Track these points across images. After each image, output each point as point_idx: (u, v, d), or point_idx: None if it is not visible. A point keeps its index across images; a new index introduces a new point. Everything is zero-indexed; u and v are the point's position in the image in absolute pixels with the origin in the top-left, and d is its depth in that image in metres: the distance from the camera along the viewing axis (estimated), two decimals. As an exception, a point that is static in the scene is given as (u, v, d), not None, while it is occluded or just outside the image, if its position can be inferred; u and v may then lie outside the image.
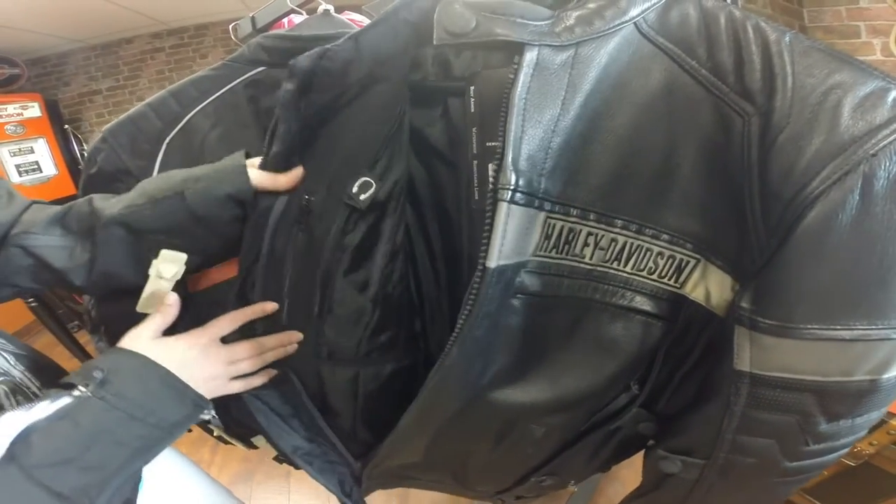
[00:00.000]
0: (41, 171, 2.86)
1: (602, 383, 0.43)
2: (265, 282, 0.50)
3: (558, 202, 0.37)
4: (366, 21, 0.74)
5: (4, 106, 2.75)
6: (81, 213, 0.50)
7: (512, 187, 0.34)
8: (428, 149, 0.53)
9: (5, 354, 0.49)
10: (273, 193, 0.47)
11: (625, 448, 0.52)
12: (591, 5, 0.35)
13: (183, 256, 0.48)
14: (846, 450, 0.38)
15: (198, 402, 0.47)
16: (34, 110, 2.86)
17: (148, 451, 0.43)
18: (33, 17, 2.56)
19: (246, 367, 0.51)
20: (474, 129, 0.46)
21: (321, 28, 0.65)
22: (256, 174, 0.47)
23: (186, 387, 0.46)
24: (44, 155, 2.88)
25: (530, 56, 0.34)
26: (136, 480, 0.48)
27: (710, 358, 0.41)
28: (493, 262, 0.35)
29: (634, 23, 0.35)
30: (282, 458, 0.72)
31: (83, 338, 1.81)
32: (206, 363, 0.49)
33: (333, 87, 0.44)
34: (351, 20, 0.73)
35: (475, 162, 0.47)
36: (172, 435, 0.45)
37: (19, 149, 2.79)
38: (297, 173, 0.47)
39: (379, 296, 0.52)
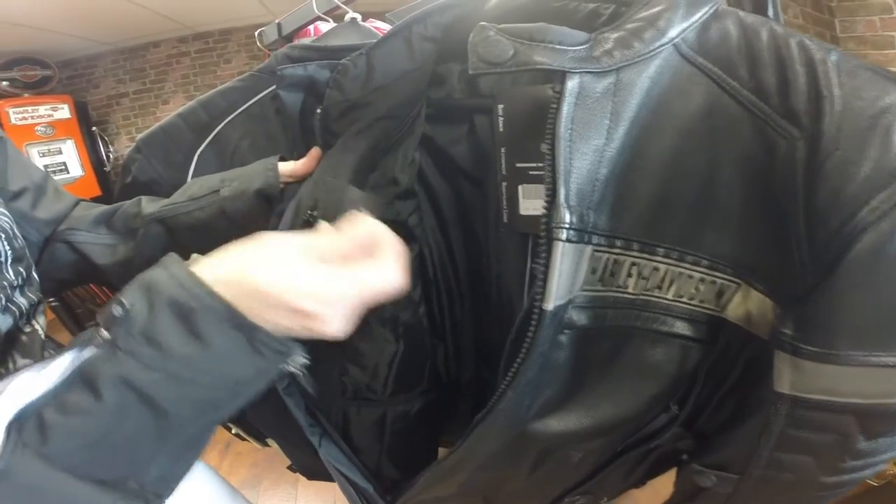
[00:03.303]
0: (68, 172, 2.94)
1: (642, 407, 0.43)
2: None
3: (604, 234, 0.36)
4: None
5: (36, 107, 2.84)
6: (128, 213, 0.52)
7: (567, 226, 0.33)
8: (453, 168, 0.52)
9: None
10: (298, 183, 0.48)
11: (661, 464, 0.51)
12: (629, 26, 0.34)
13: None
14: (885, 464, 0.37)
15: (276, 347, 0.30)
16: (64, 112, 2.95)
17: (204, 415, 0.30)
18: (65, 20, 2.64)
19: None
20: (503, 150, 0.45)
21: (348, 38, 0.65)
22: (282, 165, 0.49)
23: (254, 326, 0.29)
24: (71, 156, 2.97)
25: (572, 84, 0.33)
26: (203, 442, 0.33)
27: (749, 377, 0.40)
28: (550, 305, 0.34)
29: (674, 44, 0.34)
30: (295, 467, 0.72)
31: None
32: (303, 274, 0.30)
33: (345, 101, 0.44)
34: (376, 28, 0.73)
35: (504, 184, 0.46)
36: (240, 395, 0.31)
37: (48, 149, 2.88)
38: (315, 153, 0.47)
39: (400, 327, 0.48)
